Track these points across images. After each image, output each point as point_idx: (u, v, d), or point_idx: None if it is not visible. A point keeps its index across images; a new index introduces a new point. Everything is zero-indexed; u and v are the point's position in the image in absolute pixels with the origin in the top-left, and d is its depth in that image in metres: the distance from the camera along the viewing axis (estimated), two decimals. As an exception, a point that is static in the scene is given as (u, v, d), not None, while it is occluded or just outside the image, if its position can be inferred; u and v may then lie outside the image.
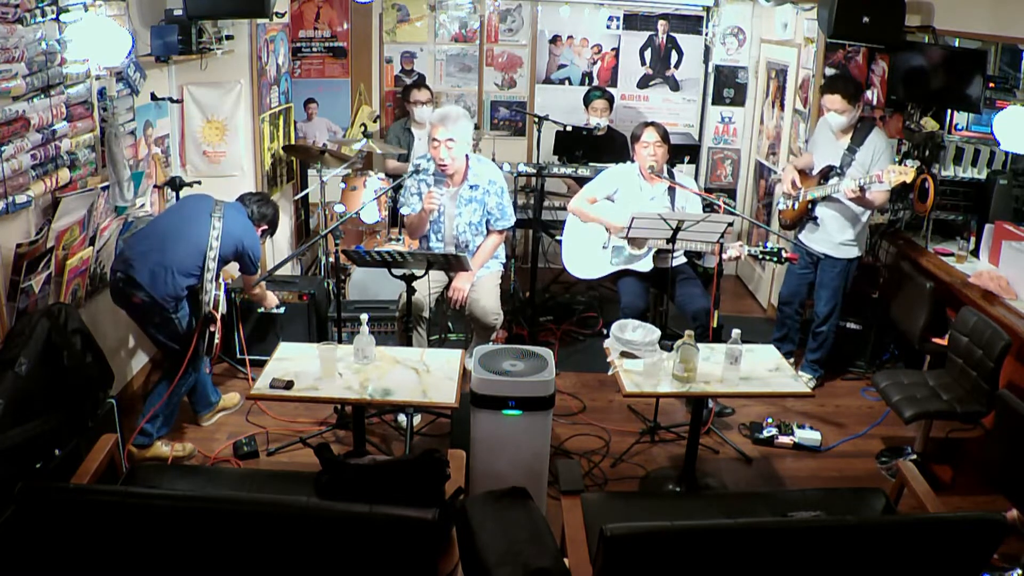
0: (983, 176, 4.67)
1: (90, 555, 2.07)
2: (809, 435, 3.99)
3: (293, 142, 5.61)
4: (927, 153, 4.70)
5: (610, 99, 5.51)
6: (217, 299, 3.60)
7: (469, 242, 4.07)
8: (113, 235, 3.79)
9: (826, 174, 4.27)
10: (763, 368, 3.29)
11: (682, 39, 6.15)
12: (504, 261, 4.29)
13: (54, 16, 3.14)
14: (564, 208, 4.80)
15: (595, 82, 6.20)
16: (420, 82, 5.74)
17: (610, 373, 3.30)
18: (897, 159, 4.24)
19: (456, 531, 2.13)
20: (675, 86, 6.25)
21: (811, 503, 2.70)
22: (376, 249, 3.52)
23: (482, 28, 6.15)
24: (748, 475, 3.77)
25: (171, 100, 4.33)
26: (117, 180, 3.69)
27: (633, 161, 4.34)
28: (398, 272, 3.59)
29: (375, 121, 6.16)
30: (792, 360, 3.95)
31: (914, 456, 3.76)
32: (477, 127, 5.92)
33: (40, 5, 3.05)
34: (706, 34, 6.12)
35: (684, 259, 4.35)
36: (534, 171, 4.83)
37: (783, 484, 3.70)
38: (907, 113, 4.85)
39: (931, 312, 4.06)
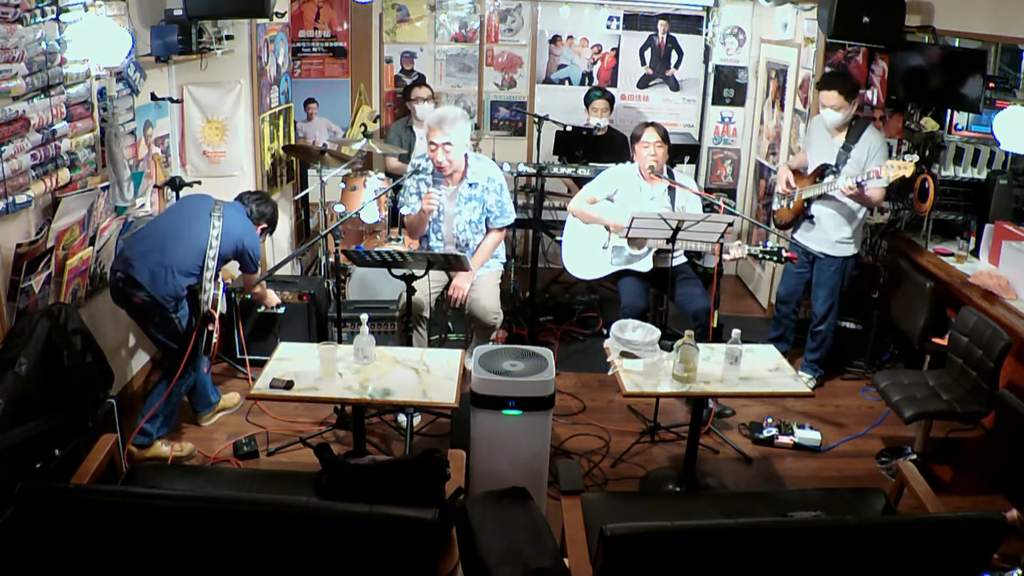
0: (983, 176, 4.67)
1: (90, 555, 2.07)
2: (809, 435, 3.99)
3: (293, 142, 5.61)
4: (927, 153, 4.70)
5: (610, 99, 5.51)
6: (216, 298, 3.60)
7: (469, 240, 4.07)
8: (113, 235, 3.79)
9: (822, 172, 4.28)
10: (763, 368, 3.29)
11: (682, 39, 6.15)
12: (504, 261, 4.29)
13: (54, 16, 3.14)
14: (564, 208, 4.80)
15: (595, 82, 6.20)
16: (421, 81, 5.75)
17: (610, 373, 3.30)
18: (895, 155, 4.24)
19: (456, 531, 2.13)
20: (675, 86, 6.25)
21: (811, 503, 2.70)
22: (376, 249, 3.52)
23: (482, 28, 6.14)
24: (748, 475, 3.77)
25: (171, 100, 4.33)
26: (117, 180, 3.69)
27: (633, 161, 4.34)
28: (398, 272, 3.60)
29: (375, 121, 6.16)
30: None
31: (914, 456, 3.76)
32: (477, 127, 5.93)
33: (40, 5, 3.05)
34: (706, 34, 6.12)
35: (684, 259, 4.35)
36: (534, 171, 4.83)
37: (783, 484, 3.70)
38: (907, 113, 4.85)
39: (931, 312, 4.06)
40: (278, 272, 4.14)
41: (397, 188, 4.70)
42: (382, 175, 5.22)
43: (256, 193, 3.98)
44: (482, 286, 4.01)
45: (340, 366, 3.16)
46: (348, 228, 5.14)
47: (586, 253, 4.39)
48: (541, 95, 6.26)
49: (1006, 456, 3.12)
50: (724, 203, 4.31)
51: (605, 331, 4.06)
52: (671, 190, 4.28)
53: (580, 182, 4.88)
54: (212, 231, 3.55)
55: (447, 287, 4.03)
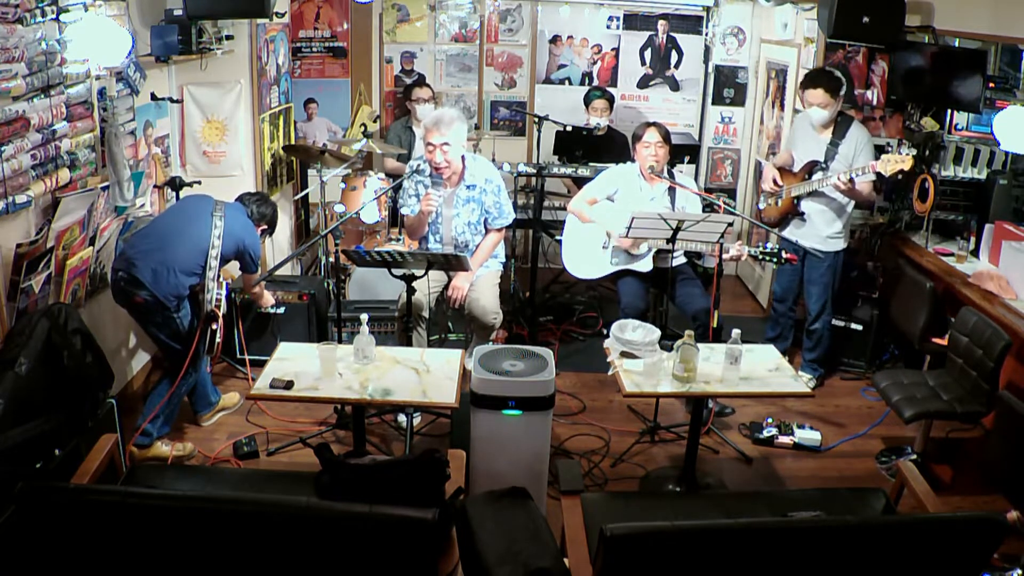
0: (983, 176, 4.67)
1: (90, 555, 2.07)
2: (809, 435, 3.99)
3: (293, 142, 5.61)
4: (927, 153, 4.70)
5: (610, 99, 5.50)
6: (219, 298, 3.60)
7: (468, 242, 4.07)
8: (113, 235, 3.79)
9: (811, 169, 4.29)
10: (763, 368, 3.29)
11: (682, 39, 6.15)
12: (504, 261, 4.30)
13: (54, 16, 3.14)
14: (564, 208, 4.80)
15: (595, 82, 6.20)
16: (421, 81, 5.75)
17: (610, 373, 3.30)
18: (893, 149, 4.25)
19: (456, 531, 2.13)
20: (675, 86, 6.25)
21: (811, 503, 2.70)
22: (376, 249, 3.53)
23: (482, 28, 6.14)
24: (748, 475, 3.77)
25: (171, 100, 4.33)
26: (117, 180, 3.69)
27: (633, 161, 4.34)
28: (398, 272, 3.60)
29: (375, 121, 6.16)
30: (787, 359, 3.96)
31: (914, 456, 3.76)
32: (477, 127, 5.94)
33: (40, 5, 3.04)
34: (706, 34, 6.12)
35: (684, 259, 4.35)
36: (534, 171, 4.83)
37: (783, 484, 3.70)
38: (907, 113, 4.85)
39: (931, 312, 4.06)
40: (278, 272, 4.14)
41: (397, 188, 4.70)
42: (382, 175, 5.22)
43: (256, 194, 3.99)
44: (481, 286, 4.01)
45: (340, 366, 3.16)
46: (348, 228, 5.14)
47: (586, 253, 4.39)
48: (541, 95, 6.26)
49: (1006, 456, 3.13)
50: (724, 203, 4.31)
51: (605, 331, 4.06)
52: (671, 190, 4.28)
53: (580, 182, 4.88)
54: (214, 231, 3.55)
55: (447, 287, 4.03)
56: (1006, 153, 4.56)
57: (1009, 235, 4.11)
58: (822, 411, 4.31)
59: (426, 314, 3.97)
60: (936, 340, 4.07)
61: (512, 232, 4.95)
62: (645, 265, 4.23)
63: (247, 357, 4.43)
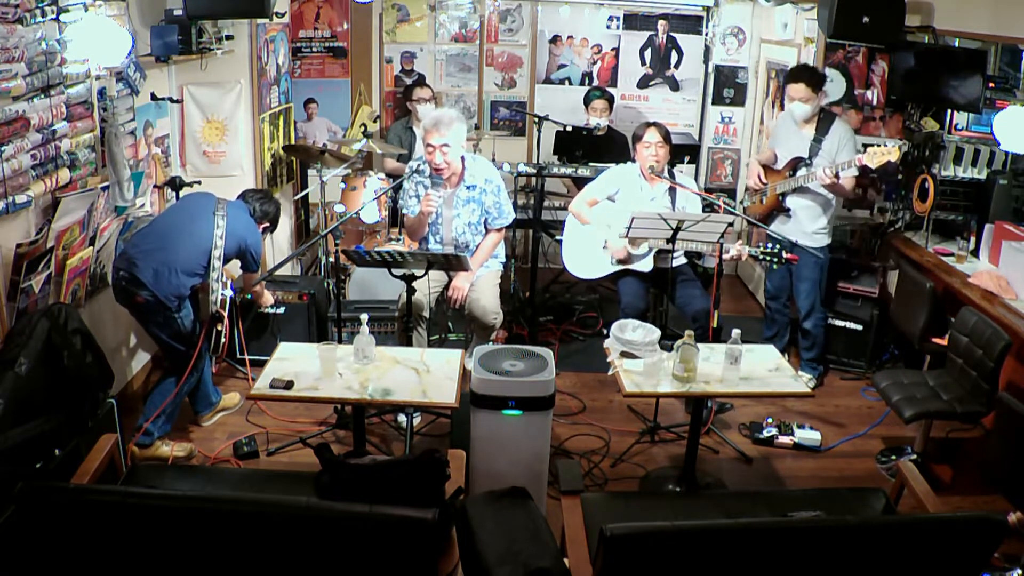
0: (983, 176, 4.67)
1: (90, 555, 2.07)
2: (809, 435, 3.99)
3: (293, 142, 5.61)
4: (927, 153, 4.71)
5: (610, 99, 5.50)
6: (224, 298, 3.60)
7: (469, 242, 4.07)
8: (113, 235, 3.79)
9: (795, 166, 4.30)
10: (763, 368, 3.29)
11: (682, 39, 6.15)
12: (504, 261, 4.30)
13: (54, 16, 3.14)
14: (564, 208, 4.80)
15: (595, 82, 6.20)
16: (421, 81, 5.75)
17: (610, 373, 3.30)
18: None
19: (456, 531, 2.13)
20: (675, 86, 6.25)
21: (811, 503, 2.70)
22: (376, 249, 3.52)
23: (482, 28, 6.15)
24: (748, 475, 3.77)
25: (171, 100, 4.33)
26: (117, 180, 3.69)
27: (634, 161, 4.34)
28: (398, 272, 3.60)
29: (375, 121, 6.16)
30: (787, 356, 3.97)
31: (914, 456, 3.76)
32: (477, 127, 5.94)
33: (40, 5, 3.04)
34: (706, 34, 6.12)
35: (684, 259, 4.35)
36: (534, 171, 4.83)
37: (783, 484, 3.70)
38: (907, 113, 4.85)
39: (931, 312, 4.06)
40: (278, 272, 4.14)
41: (397, 188, 4.70)
42: (382, 175, 5.22)
43: (259, 191, 3.98)
44: (482, 286, 4.01)
45: (340, 366, 3.15)
46: (348, 228, 5.14)
47: (586, 253, 4.39)
48: (541, 95, 6.26)
49: (1006, 456, 3.13)
50: (724, 203, 4.31)
51: (605, 331, 4.06)
52: (671, 190, 4.28)
53: (580, 182, 4.88)
54: (216, 231, 3.55)
55: (447, 287, 4.03)
56: (1006, 153, 4.56)
57: (1009, 235, 4.11)
58: (822, 411, 4.31)
59: (426, 314, 3.97)
60: (936, 340, 4.07)
61: (512, 232, 4.95)
62: (645, 265, 4.22)
63: (247, 357, 4.43)
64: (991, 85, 4.39)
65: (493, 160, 4.85)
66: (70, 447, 2.97)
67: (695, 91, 6.25)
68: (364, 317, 3.33)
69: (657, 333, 3.37)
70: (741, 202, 4.83)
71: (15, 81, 2.94)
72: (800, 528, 2.11)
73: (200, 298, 3.81)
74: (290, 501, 2.09)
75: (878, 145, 3.94)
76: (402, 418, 3.91)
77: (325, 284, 4.66)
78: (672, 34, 6.13)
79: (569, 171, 5.03)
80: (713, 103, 6.22)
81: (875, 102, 4.87)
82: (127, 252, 3.52)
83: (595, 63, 6.22)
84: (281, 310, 4.47)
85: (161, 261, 3.44)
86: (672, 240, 3.74)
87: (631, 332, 3.38)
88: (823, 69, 4.85)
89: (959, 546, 2.10)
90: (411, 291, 3.61)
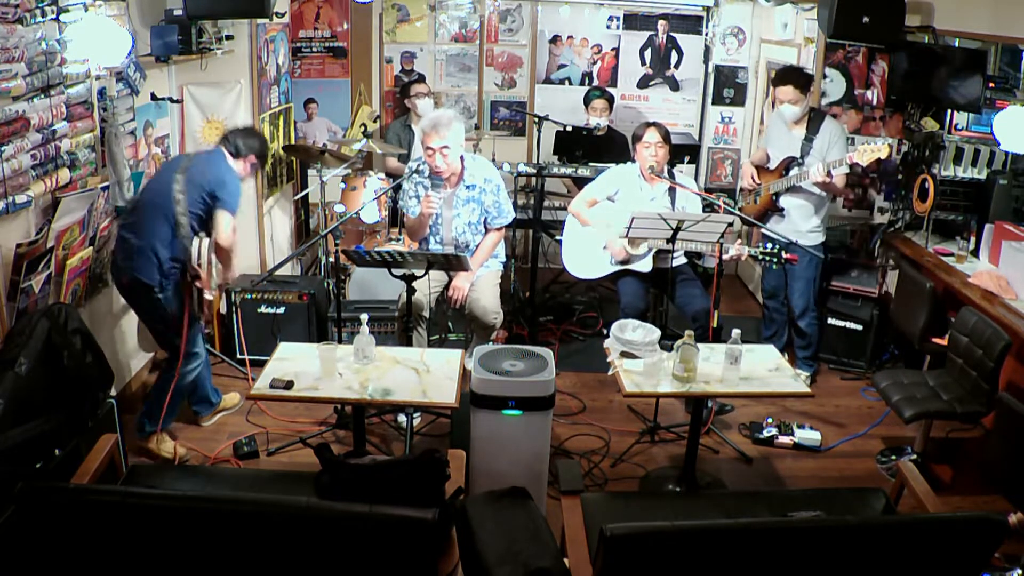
0: (983, 176, 4.67)
1: (90, 555, 2.07)
2: (809, 435, 3.99)
3: (293, 142, 5.61)
4: (927, 153, 4.71)
5: (610, 99, 5.51)
6: (199, 253, 3.43)
7: (469, 242, 4.07)
8: (113, 235, 3.79)
9: (787, 165, 4.32)
10: (763, 368, 3.29)
11: (682, 39, 6.15)
12: (504, 260, 4.29)
13: (54, 16, 3.14)
14: (564, 208, 4.80)
15: (595, 82, 6.20)
16: (420, 79, 5.75)
17: (610, 373, 3.30)
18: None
19: (456, 531, 2.14)
20: (675, 86, 6.25)
21: (811, 503, 2.70)
22: (376, 249, 3.52)
23: (482, 28, 6.14)
24: (748, 475, 3.77)
25: (171, 100, 4.33)
26: (117, 180, 3.69)
27: (634, 161, 4.34)
28: (398, 272, 3.59)
29: (375, 121, 6.16)
30: (787, 356, 3.97)
31: (914, 456, 3.76)
32: (477, 127, 5.94)
33: (40, 5, 3.04)
34: (706, 34, 6.12)
35: (684, 259, 4.35)
36: (534, 171, 4.82)
37: (783, 484, 3.70)
38: (907, 113, 4.85)
39: (931, 312, 4.06)
40: (278, 272, 4.14)
41: (397, 188, 4.70)
42: (382, 175, 5.22)
43: (240, 128, 3.81)
44: (482, 286, 4.01)
45: (340, 366, 3.15)
46: (348, 228, 5.14)
47: (586, 253, 4.39)
48: (541, 95, 6.26)
49: (1006, 456, 3.13)
50: (724, 203, 4.31)
51: (605, 331, 4.06)
52: (671, 190, 4.28)
53: (580, 182, 4.88)
54: (175, 187, 3.42)
55: (447, 287, 4.03)
56: (1006, 153, 4.56)
57: (1009, 235, 4.11)
58: (822, 411, 4.31)
59: (426, 314, 3.97)
60: (936, 340, 4.07)
61: (512, 232, 4.95)
62: (645, 265, 4.22)
63: (247, 357, 4.43)
64: (991, 85, 4.39)
65: (493, 160, 4.85)
66: (70, 447, 2.97)
67: (695, 91, 6.25)
68: (364, 317, 3.33)
69: (657, 333, 3.37)
70: (735, 203, 4.84)
71: (15, 81, 2.94)
72: (800, 528, 2.11)
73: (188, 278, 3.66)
74: (290, 501, 2.09)
75: (868, 143, 3.97)
76: (402, 418, 3.91)
77: (325, 284, 4.66)
78: (672, 34, 6.13)
79: (569, 171, 5.03)
80: (713, 103, 6.22)
81: (875, 102, 4.87)
82: (119, 232, 3.54)
83: (595, 63, 6.22)
84: (281, 310, 4.47)
85: (136, 237, 3.40)
86: (672, 240, 3.74)
87: (631, 332, 3.38)
88: (823, 69, 4.85)
89: (959, 546, 2.10)
90: (411, 291, 3.61)
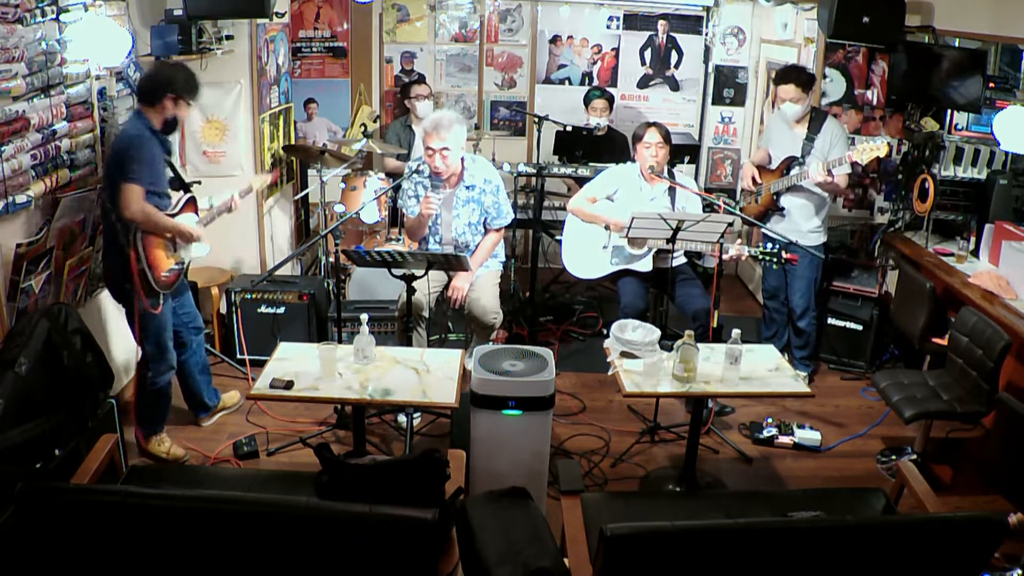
0: (983, 176, 4.67)
1: (90, 555, 2.07)
2: (809, 435, 3.99)
3: (293, 142, 5.61)
4: (927, 153, 4.71)
5: (610, 99, 5.51)
6: (127, 222, 3.18)
7: (469, 243, 4.07)
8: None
9: (788, 165, 4.32)
10: (763, 368, 3.29)
11: (682, 39, 6.15)
12: (504, 260, 4.30)
13: (54, 16, 3.14)
14: (564, 208, 4.79)
15: (595, 82, 6.20)
16: (420, 79, 5.75)
17: (610, 373, 3.30)
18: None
19: (456, 531, 2.13)
20: (675, 86, 6.25)
21: (811, 503, 2.70)
22: (376, 249, 3.52)
23: (482, 28, 6.14)
24: (748, 475, 3.77)
25: (171, 100, 4.33)
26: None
27: (634, 161, 4.34)
28: (398, 272, 3.60)
29: (375, 121, 6.16)
30: (787, 356, 3.98)
31: (914, 456, 3.76)
32: (477, 127, 5.93)
33: (40, 5, 3.05)
34: (706, 34, 6.12)
35: (684, 259, 4.35)
36: (534, 171, 4.83)
37: (783, 484, 3.70)
38: (907, 113, 4.85)
39: (931, 312, 4.06)
40: (278, 272, 4.14)
41: (397, 188, 4.70)
42: (382, 175, 5.22)
43: (147, 73, 3.60)
44: (481, 286, 4.01)
45: (340, 366, 3.15)
46: (348, 228, 5.14)
47: (586, 253, 4.39)
48: (541, 95, 6.26)
49: (1006, 456, 3.13)
50: (724, 203, 4.31)
51: (605, 331, 4.06)
52: (671, 190, 4.28)
53: (580, 182, 4.87)
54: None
55: (447, 287, 4.03)
56: (1006, 153, 4.56)
57: (1009, 235, 4.11)
58: (822, 411, 4.31)
59: (426, 314, 3.97)
60: (936, 340, 4.07)
61: (512, 232, 4.95)
62: (645, 265, 4.22)
63: (247, 357, 4.43)
64: (991, 85, 4.39)
65: (493, 160, 4.85)
66: (70, 447, 2.97)
67: (695, 91, 6.25)
68: (364, 317, 3.33)
69: (657, 333, 3.37)
70: (736, 203, 4.84)
71: (15, 81, 2.94)
72: (800, 528, 2.11)
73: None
74: (290, 501, 2.09)
75: (867, 142, 3.97)
76: (402, 418, 3.91)
77: (325, 284, 4.66)
78: (672, 34, 6.13)
79: (569, 171, 5.03)
80: (713, 103, 6.22)
81: (875, 102, 4.87)
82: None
83: (595, 63, 6.22)
84: (281, 310, 4.47)
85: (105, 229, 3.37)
86: (672, 240, 3.74)
87: (631, 332, 3.38)
88: (823, 69, 4.85)
89: (959, 546, 2.10)
90: (411, 291, 3.61)
